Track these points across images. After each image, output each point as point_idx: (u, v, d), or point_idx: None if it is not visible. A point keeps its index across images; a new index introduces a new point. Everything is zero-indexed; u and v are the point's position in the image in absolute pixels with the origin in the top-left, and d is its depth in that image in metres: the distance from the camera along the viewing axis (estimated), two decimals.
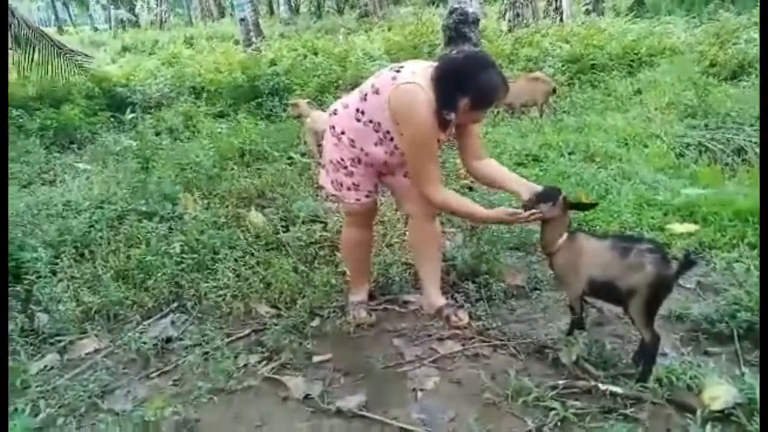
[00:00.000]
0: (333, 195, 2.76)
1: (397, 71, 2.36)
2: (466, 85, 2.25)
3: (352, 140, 2.52)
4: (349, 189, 2.64)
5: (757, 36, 8.55)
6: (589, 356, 2.36)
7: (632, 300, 2.13)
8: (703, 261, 3.16)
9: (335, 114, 2.60)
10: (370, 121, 2.44)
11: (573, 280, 2.33)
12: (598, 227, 3.52)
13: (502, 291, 2.96)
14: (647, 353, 2.20)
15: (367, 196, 2.68)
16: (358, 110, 2.47)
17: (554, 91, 6.68)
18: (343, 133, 2.53)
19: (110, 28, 26.01)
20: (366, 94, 2.44)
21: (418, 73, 2.32)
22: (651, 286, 2.08)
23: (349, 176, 2.61)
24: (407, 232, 3.05)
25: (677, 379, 2.15)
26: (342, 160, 2.58)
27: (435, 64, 2.39)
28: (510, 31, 11.52)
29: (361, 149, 2.52)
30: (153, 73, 9.42)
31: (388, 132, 2.44)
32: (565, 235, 2.34)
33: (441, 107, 2.28)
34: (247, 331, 2.81)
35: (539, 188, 2.39)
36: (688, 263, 2.11)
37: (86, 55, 7.79)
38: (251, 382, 2.43)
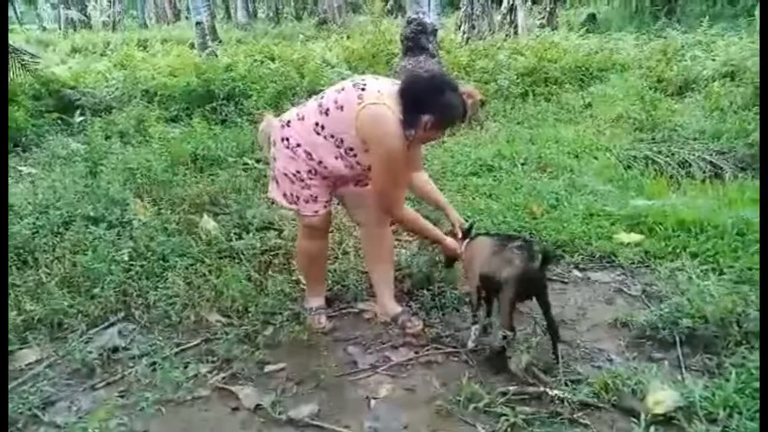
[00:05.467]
0: (287, 208, 2.71)
1: (362, 89, 2.36)
2: (427, 105, 2.31)
3: (309, 153, 2.49)
4: (307, 201, 2.60)
5: (701, 54, 8.96)
6: (538, 363, 2.40)
7: (503, 291, 2.36)
8: (648, 270, 3.28)
9: (288, 126, 2.55)
10: (332, 136, 2.43)
11: (471, 276, 2.63)
12: (548, 236, 3.60)
13: (456, 299, 2.99)
14: (497, 338, 2.41)
15: (324, 207, 2.66)
16: (317, 124, 2.44)
17: (483, 104, 6.78)
18: (298, 145, 2.50)
19: (60, 28, 25.11)
20: (327, 109, 2.41)
21: (385, 93, 2.35)
22: (518, 279, 2.30)
23: (307, 189, 2.57)
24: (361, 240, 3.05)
25: (623, 384, 2.21)
26: (298, 172, 2.54)
27: (398, 81, 2.44)
28: (466, 42, 11.67)
29: (320, 162, 2.50)
30: (104, 75, 9.12)
31: (351, 149, 2.43)
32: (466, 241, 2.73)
33: (403, 124, 2.32)
34: (197, 341, 2.75)
35: (459, 221, 2.83)
36: (547, 259, 2.36)
37: (33, 55, 7.50)
38: (201, 392, 2.38)
